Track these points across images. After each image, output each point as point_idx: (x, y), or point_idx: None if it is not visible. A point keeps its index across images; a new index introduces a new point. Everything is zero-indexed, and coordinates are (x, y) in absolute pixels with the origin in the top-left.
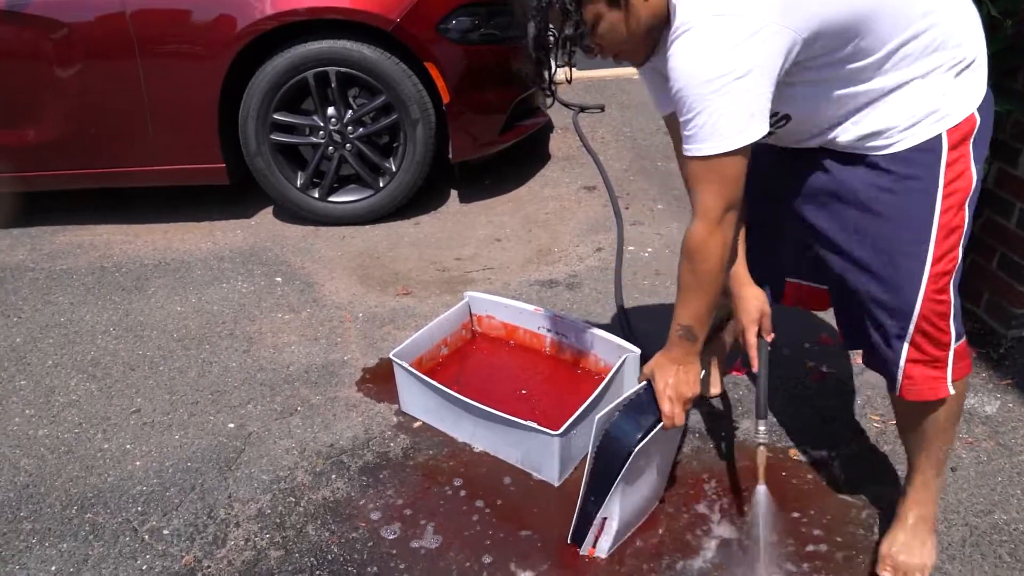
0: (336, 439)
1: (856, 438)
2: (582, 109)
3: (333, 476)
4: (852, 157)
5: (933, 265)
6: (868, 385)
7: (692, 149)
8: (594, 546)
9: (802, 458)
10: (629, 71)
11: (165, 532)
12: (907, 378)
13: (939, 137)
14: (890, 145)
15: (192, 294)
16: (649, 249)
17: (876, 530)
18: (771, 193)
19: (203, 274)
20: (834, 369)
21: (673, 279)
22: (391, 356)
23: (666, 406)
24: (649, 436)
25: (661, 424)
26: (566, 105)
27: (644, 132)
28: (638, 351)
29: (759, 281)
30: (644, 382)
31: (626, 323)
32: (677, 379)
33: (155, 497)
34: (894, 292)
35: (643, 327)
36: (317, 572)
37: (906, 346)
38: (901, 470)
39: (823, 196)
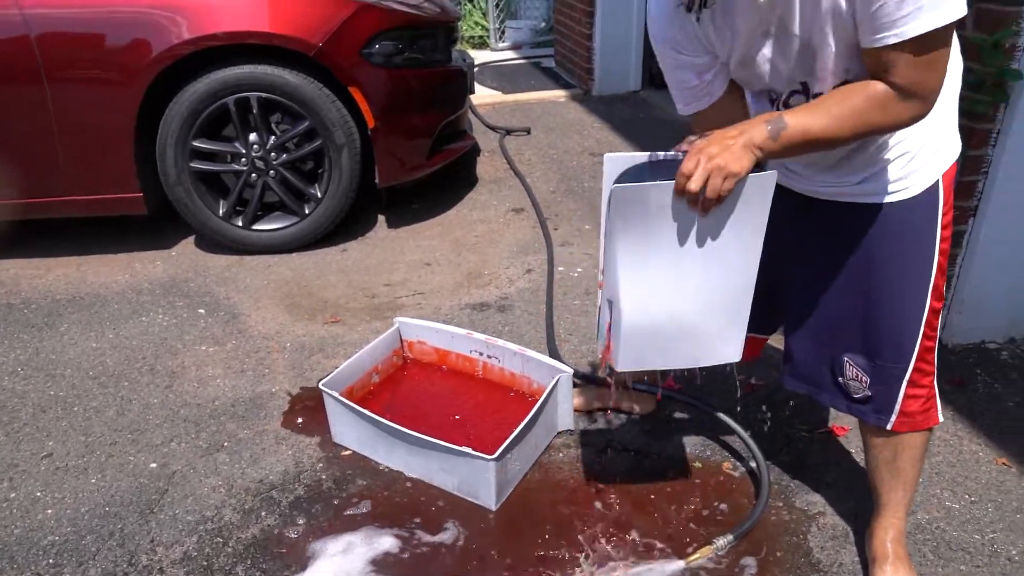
0: (265, 474)
1: (786, 449)
2: (508, 132)
3: (263, 513)
4: (861, 207)
5: (931, 304)
6: (794, 396)
7: (923, 22)
8: (609, 349)
9: (734, 471)
10: (554, 94)
11: None
12: (903, 414)
13: (937, 181)
14: (901, 191)
15: (109, 329)
16: (579, 269)
17: (808, 538)
18: (776, 241)
19: (120, 308)
20: (763, 381)
21: None
22: (320, 386)
23: (690, 162)
24: (647, 185)
25: (670, 182)
26: (492, 128)
27: (570, 153)
28: (571, 371)
29: None
30: (680, 151)
31: (557, 344)
32: (723, 148)
33: (69, 547)
34: (900, 333)
35: (575, 347)
36: None
37: (905, 385)
38: (831, 477)
39: (832, 243)
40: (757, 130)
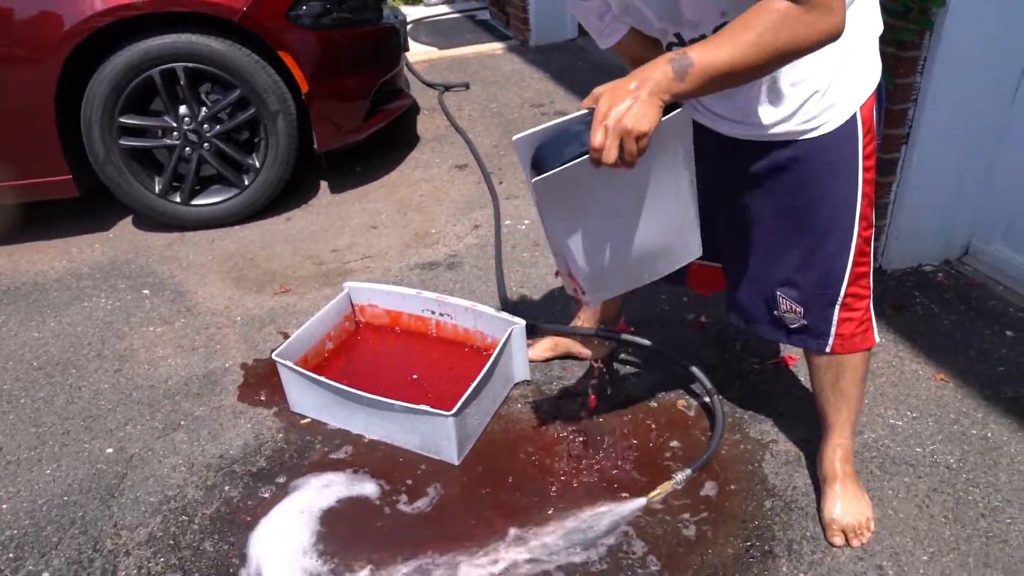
0: (225, 449)
1: (738, 382)
2: (447, 88)
3: (226, 487)
4: (784, 144)
5: (859, 233)
6: (743, 331)
7: None
8: (583, 293)
9: (689, 408)
10: (491, 47)
11: (45, 575)
12: (839, 336)
13: (855, 114)
14: (818, 127)
15: (50, 317)
16: (526, 221)
17: (762, 465)
18: (702, 183)
19: (60, 295)
20: (711, 318)
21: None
22: (274, 356)
23: (597, 136)
24: (565, 167)
25: (585, 157)
26: (430, 85)
27: (510, 106)
28: (522, 322)
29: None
30: (587, 109)
31: (509, 297)
32: (627, 108)
33: (29, 539)
34: (829, 264)
35: (526, 298)
36: None
37: (838, 309)
38: (782, 406)
39: (756, 182)
40: (660, 72)
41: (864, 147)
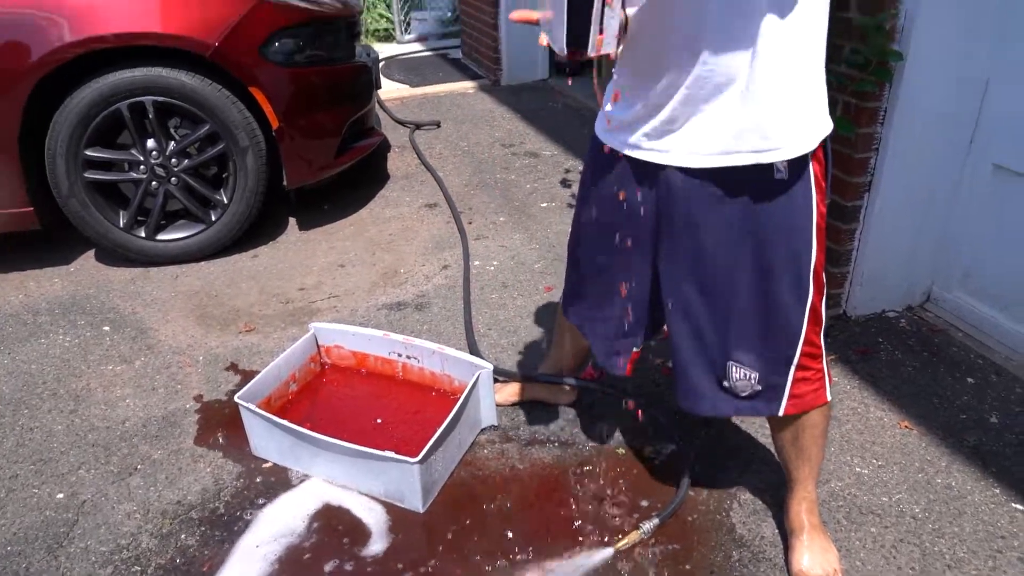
0: (183, 495)
1: (704, 430)
2: (418, 126)
3: (183, 536)
4: (736, 192)
5: (815, 291)
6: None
7: None
8: (601, 33)
9: (656, 456)
10: (462, 85)
11: None
12: (793, 397)
13: (808, 166)
14: (777, 149)
15: (3, 354)
16: (495, 262)
17: (730, 514)
18: (635, 244)
19: (16, 331)
20: None
21: (521, 290)
22: (236, 399)
23: None
24: None
25: None
26: (401, 123)
27: (481, 146)
28: (491, 367)
29: (605, 351)
30: None
31: (476, 340)
32: None
33: None
34: (784, 324)
35: (494, 341)
36: None
37: (793, 370)
38: (748, 454)
39: (708, 242)
40: None
41: (816, 204)
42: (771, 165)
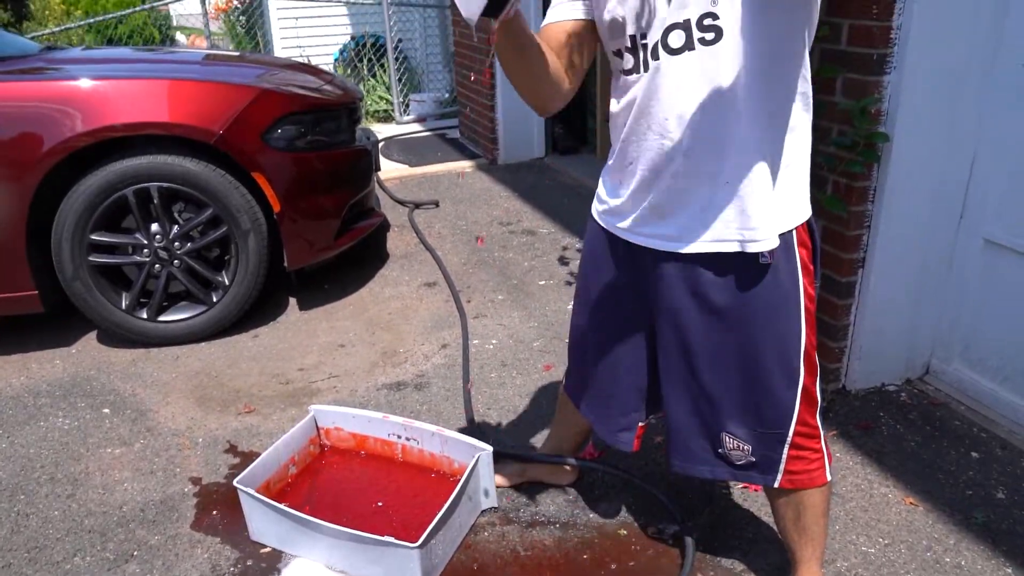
0: None
1: (707, 508)
2: (417, 206)
3: None
4: (725, 271)
5: (806, 371)
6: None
7: None
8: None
9: (659, 536)
10: (460, 165)
11: None
12: (788, 472)
13: (793, 247)
14: (762, 240)
15: (2, 439)
16: (493, 341)
17: None
18: (633, 321)
19: (15, 414)
20: None
21: (520, 369)
22: (235, 484)
23: None
24: None
25: None
26: (401, 202)
27: (479, 225)
28: (490, 448)
29: (611, 429)
30: None
31: (476, 421)
32: None
33: None
34: (775, 403)
35: (494, 422)
36: None
37: (787, 448)
38: (752, 532)
39: (699, 319)
40: None
41: (804, 287)
42: (756, 253)
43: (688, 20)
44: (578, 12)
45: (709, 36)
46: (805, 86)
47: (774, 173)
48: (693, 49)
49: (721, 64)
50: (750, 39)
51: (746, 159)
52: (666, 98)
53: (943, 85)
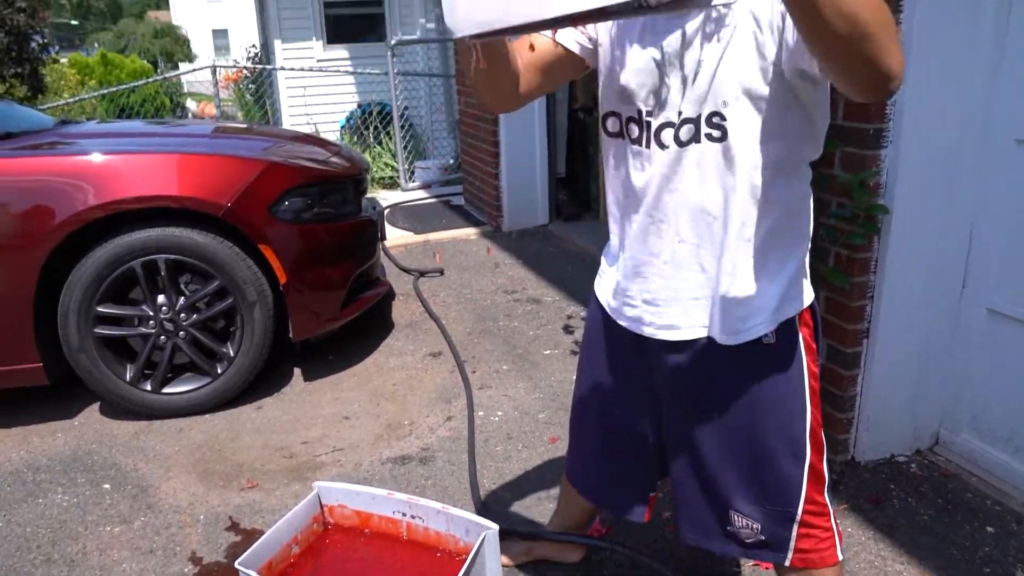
0: None
1: None
2: (422, 274)
3: None
4: (729, 354)
5: (812, 450)
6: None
7: None
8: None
9: None
10: (465, 232)
11: None
12: (799, 551)
13: (796, 330)
14: (760, 324)
15: None
16: (499, 413)
17: None
18: (651, 405)
19: (13, 490)
20: None
21: (525, 442)
22: (237, 565)
23: None
24: None
25: None
26: (406, 271)
27: (484, 292)
28: (496, 527)
29: (619, 504)
30: None
31: (481, 497)
32: None
33: None
34: (783, 483)
35: (500, 497)
36: None
37: (796, 527)
38: None
39: (703, 400)
40: None
41: (807, 366)
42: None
43: (699, 115)
44: (573, 44)
45: (716, 133)
46: (807, 184)
47: (774, 266)
48: (699, 142)
49: (725, 160)
50: (756, 141)
51: (744, 252)
52: (669, 185)
53: (939, 158)
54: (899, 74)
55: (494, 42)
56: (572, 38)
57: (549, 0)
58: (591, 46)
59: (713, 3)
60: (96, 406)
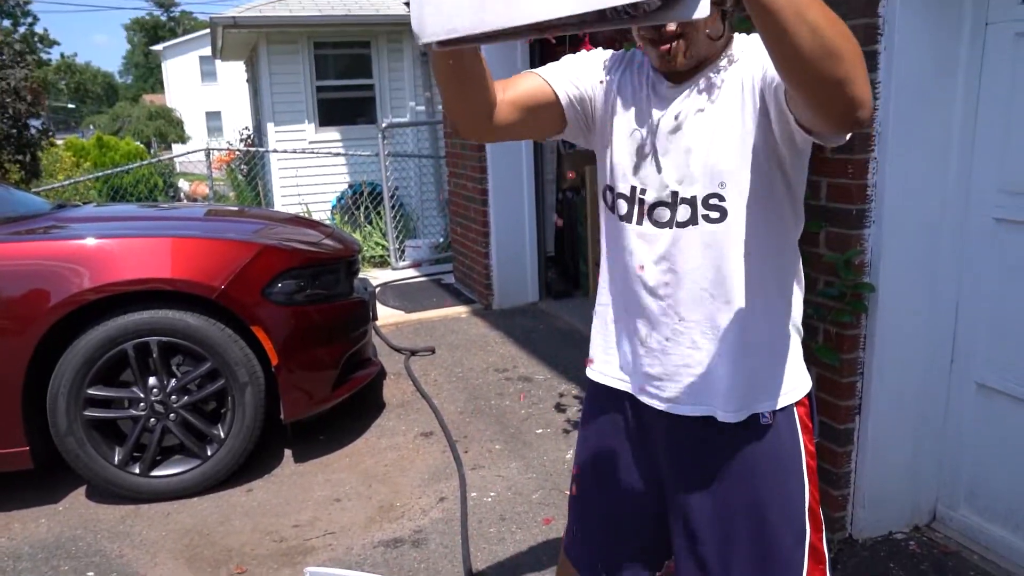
0: None
1: None
2: (413, 353)
3: None
4: (726, 438)
5: (811, 532)
6: None
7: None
8: None
9: None
10: (455, 310)
11: None
12: None
13: (794, 416)
14: (766, 403)
15: None
16: (492, 493)
17: None
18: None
19: None
20: None
21: (519, 523)
22: None
23: None
24: None
25: None
26: (397, 350)
27: (475, 371)
28: None
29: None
30: None
31: None
32: None
33: None
34: (783, 568)
35: None
36: None
37: None
38: None
39: (702, 485)
40: None
41: (804, 444)
42: (756, 414)
43: (695, 197)
44: (561, 91)
45: (714, 215)
46: (799, 263)
47: (779, 345)
48: (697, 224)
49: (723, 242)
50: (754, 220)
51: (744, 331)
52: (667, 265)
53: (922, 237)
54: (867, 103)
55: (468, 59)
56: (563, 87)
57: (519, 7)
58: (578, 107)
59: (693, 17)
60: (82, 490)
